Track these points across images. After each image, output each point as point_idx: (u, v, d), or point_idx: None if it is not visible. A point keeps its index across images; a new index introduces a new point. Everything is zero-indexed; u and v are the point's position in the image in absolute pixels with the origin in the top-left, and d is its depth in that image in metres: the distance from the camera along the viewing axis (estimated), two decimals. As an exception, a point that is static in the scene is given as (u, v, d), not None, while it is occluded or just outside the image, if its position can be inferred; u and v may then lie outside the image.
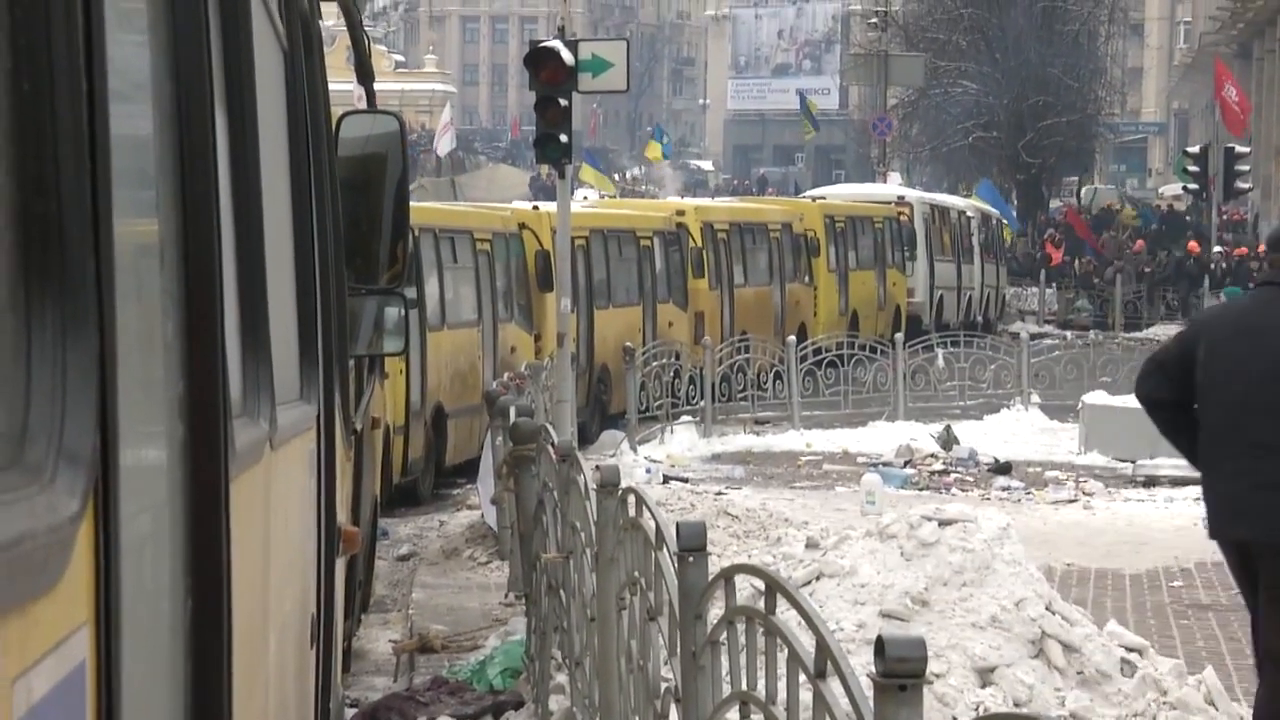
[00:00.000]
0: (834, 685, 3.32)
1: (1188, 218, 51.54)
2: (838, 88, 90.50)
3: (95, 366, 1.68)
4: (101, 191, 1.73)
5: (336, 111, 5.36)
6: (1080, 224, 48.99)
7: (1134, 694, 7.84)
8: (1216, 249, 42.58)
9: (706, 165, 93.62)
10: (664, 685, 5.08)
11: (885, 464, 18.44)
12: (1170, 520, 15.33)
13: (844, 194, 38.09)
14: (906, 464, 18.62)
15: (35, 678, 1.49)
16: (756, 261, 27.80)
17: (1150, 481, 17.60)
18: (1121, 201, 56.78)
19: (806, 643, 3.51)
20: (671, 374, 21.60)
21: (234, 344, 2.61)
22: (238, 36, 2.75)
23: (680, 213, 25.77)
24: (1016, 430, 21.65)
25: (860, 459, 19.26)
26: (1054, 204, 59.31)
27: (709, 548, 4.66)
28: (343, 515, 5.07)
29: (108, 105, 1.76)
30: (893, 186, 43.54)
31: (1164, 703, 7.86)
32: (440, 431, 17.63)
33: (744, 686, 4.01)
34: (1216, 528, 6.99)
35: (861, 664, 5.30)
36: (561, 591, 7.53)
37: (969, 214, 39.24)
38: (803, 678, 3.51)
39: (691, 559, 4.56)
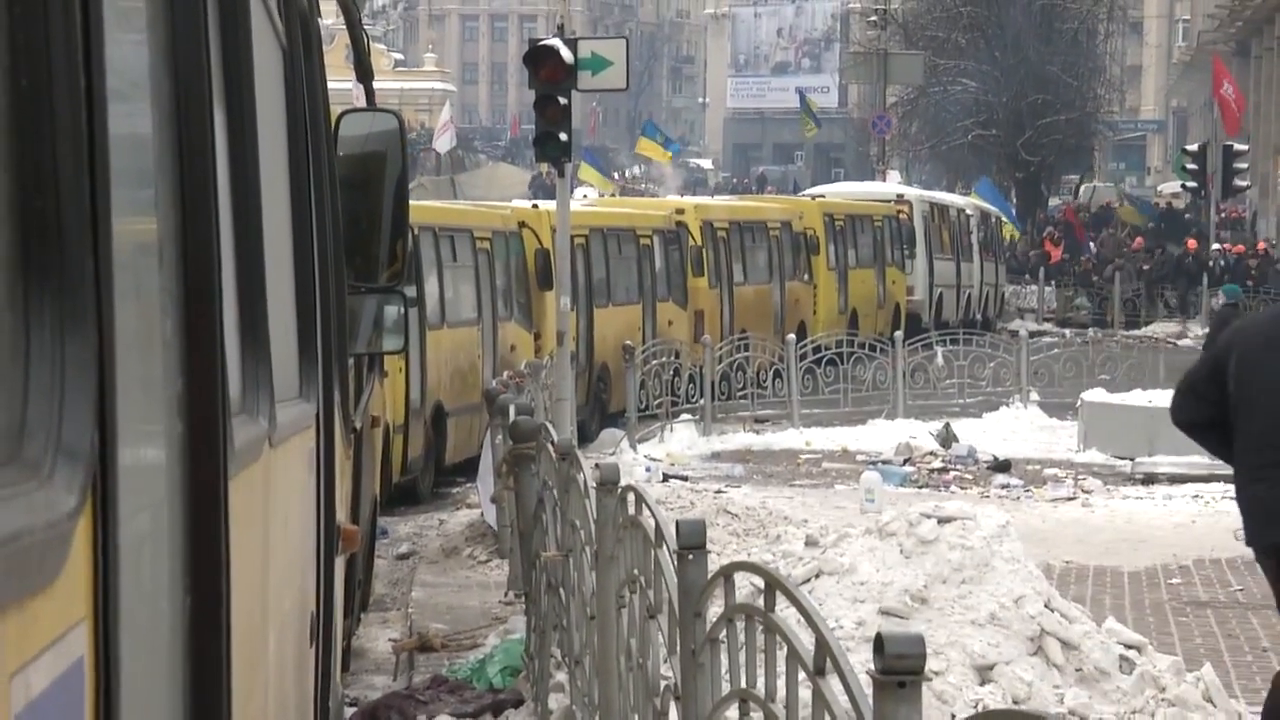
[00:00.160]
0: (833, 682, 3.32)
1: (1187, 215, 51.54)
2: (837, 86, 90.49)
3: (94, 363, 1.68)
4: (100, 189, 1.73)
5: (336, 110, 5.37)
6: (1076, 223, 49.00)
7: (1132, 691, 7.85)
8: (1215, 247, 42.58)
9: (706, 164, 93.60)
10: (663, 683, 5.09)
11: (884, 462, 18.44)
12: (1169, 518, 15.33)
13: (843, 192, 38.10)
14: (906, 462, 18.62)
15: (33, 673, 1.49)
16: (756, 260, 27.80)
17: (1149, 479, 17.60)
18: (1120, 199, 56.75)
19: (806, 640, 3.51)
20: (671, 372, 21.60)
21: (233, 342, 2.61)
22: (237, 34, 2.75)
23: (680, 211, 25.77)
24: (1015, 428, 21.66)
25: (859, 457, 19.27)
26: (1053, 202, 59.32)
27: (708, 546, 4.67)
28: (342, 514, 5.07)
29: (106, 103, 1.76)
30: (892, 185, 43.55)
31: (1162, 699, 7.86)
32: (440, 430, 17.63)
33: (743, 684, 4.01)
34: (1253, 534, 7.04)
35: (861, 661, 5.30)
36: (561, 590, 7.53)
37: (968, 212, 39.25)
38: (802, 675, 3.51)
39: (691, 557, 4.57)
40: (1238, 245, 43.96)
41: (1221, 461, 7.39)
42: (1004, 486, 17.27)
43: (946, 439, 19.65)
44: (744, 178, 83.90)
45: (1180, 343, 34.84)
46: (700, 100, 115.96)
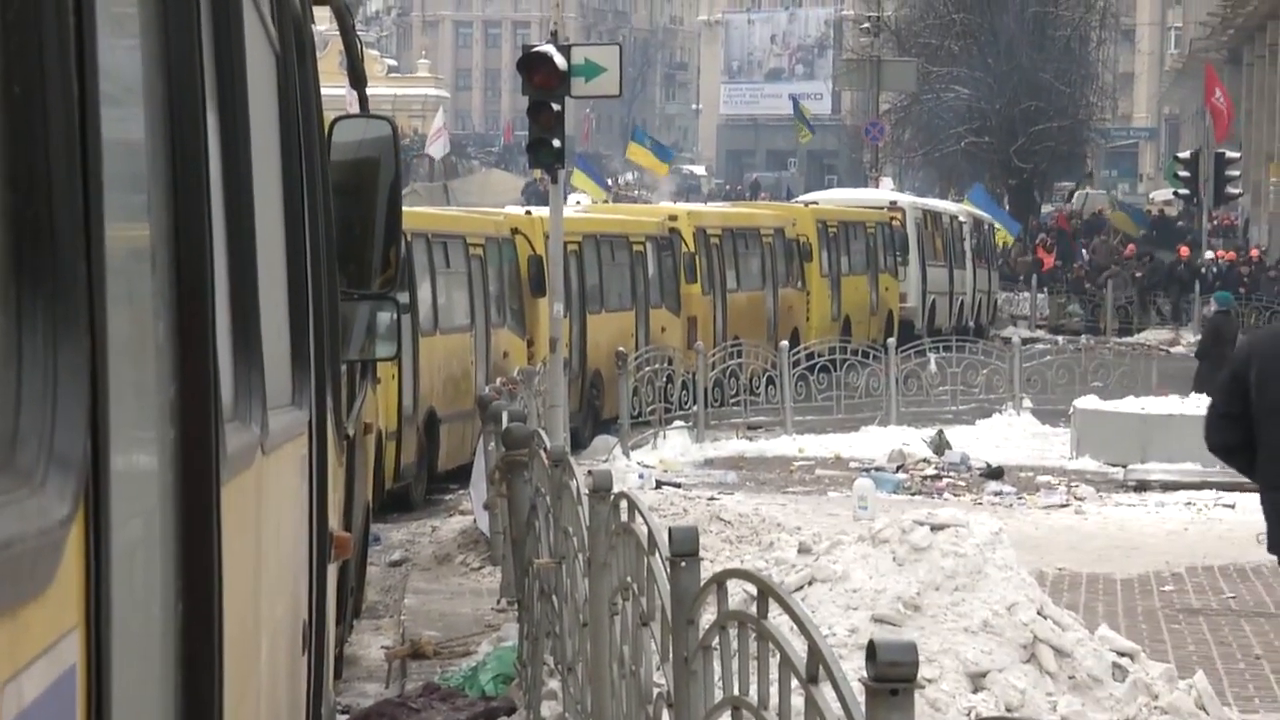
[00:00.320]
0: (826, 690, 3.32)
1: (1179, 223, 51.61)
2: (830, 93, 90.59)
3: (86, 370, 1.68)
4: (93, 195, 1.72)
5: (329, 116, 5.36)
6: (1069, 230, 49.04)
7: (1125, 698, 7.85)
8: (1208, 255, 42.63)
9: (699, 170, 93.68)
10: (656, 691, 5.08)
11: (877, 469, 18.44)
12: (1161, 525, 15.34)
13: (836, 199, 38.13)
14: (899, 469, 18.63)
15: (25, 682, 1.49)
16: (749, 266, 27.81)
17: (1141, 486, 17.61)
18: (1113, 205, 56.83)
19: (799, 648, 3.50)
20: (664, 379, 21.60)
21: (226, 348, 2.61)
22: (229, 40, 2.75)
23: (673, 218, 25.77)
24: (1008, 435, 21.67)
25: (852, 464, 19.27)
26: (1046, 209, 59.39)
27: (701, 553, 4.66)
28: (334, 521, 5.06)
29: (99, 108, 1.75)
30: (885, 191, 43.58)
31: (1155, 707, 7.86)
32: (433, 437, 17.62)
33: (736, 692, 4.01)
34: (1274, 541, 7.09)
35: (854, 669, 5.30)
36: (554, 597, 7.53)
37: (961, 219, 39.29)
38: (795, 683, 3.50)
39: (684, 564, 4.56)
40: (1229, 252, 44.00)
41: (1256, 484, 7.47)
42: (997, 494, 17.28)
43: (939, 446, 19.66)
44: (737, 184, 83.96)
45: (1173, 350, 34.88)
46: (694, 107, 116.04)
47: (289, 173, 3.76)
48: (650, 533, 5.03)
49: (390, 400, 16.10)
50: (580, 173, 46.09)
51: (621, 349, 21.13)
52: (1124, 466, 18.42)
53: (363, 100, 6.87)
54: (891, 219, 34.65)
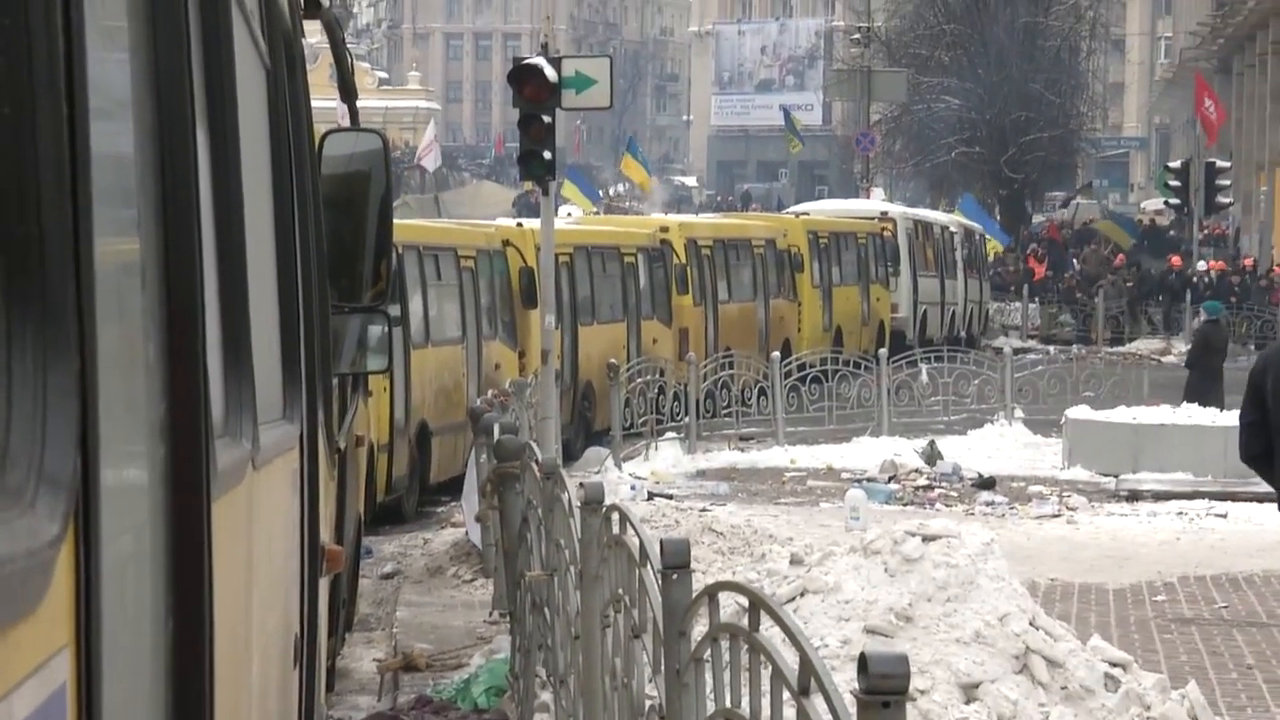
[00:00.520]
0: (818, 702, 3.32)
1: (1170, 233, 51.67)
2: (821, 103, 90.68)
3: (76, 388, 1.67)
4: (82, 211, 1.72)
5: (320, 129, 5.36)
6: (1060, 240, 49.10)
7: (1117, 709, 7.84)
8: (1201, 265, 42.68)
9: (690, 181, 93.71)
10: (648, 703, 5.08)
11: (869, 479, 18.45)
12: (1153, 535, 15.35)
13: (827, 210, 38.17)
14: (890, 479, 18.63)
15: (16, 701, 1.49)
16: (740, 277, 27.82)
17: (1133, 496, 17.62)
18: (1104, 214, 56.90)
19: (790, 659, 3.50)
20: (656, 390, 21.60)
21: (216, 364, 2.60)
22: (219, 54, 2.75)
23: (664, 229, 25.79)
24: (1000, 445, 21.68)
25: (844, 475, 19.27)
26: (1037, 219, 59.46)
27: (693, 564, 4.66)
28: (326, 534, 5.06)
29: (88, 124, 1.75)
30: (876, 202, 43.63)
31: (1147, 718, 7.86)
32: (424, 449, 17.61)
33: (728, 704, 4.01)
34: None
35: (846, 680, 5.30)
36: (546, 609, 7.52)
37: (952, 229, 39.33)
38: (786, 695, 3.50)
39: (675, 576, 4.56)
40: (1218, 262, 44.06)
41: None
42: (989, 504, 17.28)
43: (931, 456, 19.66)
44: (728, 195, 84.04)
45: (1164, 359, 34.92)
46: (684, 118, 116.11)
47: (279, 187, 3.76)
48: (642, 545, 5.03)
49: (382, 413, 16.09)
50: (570, 184, 46.11)
51: (613, 360, 21.13)
52: (1116, 476, 18.44)
53: (353, 113, 6.87)
54: (883, 229, 34.68)
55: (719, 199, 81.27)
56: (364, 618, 12.19)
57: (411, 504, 17.39)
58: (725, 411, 23.04)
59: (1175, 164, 47.62)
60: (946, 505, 17.18)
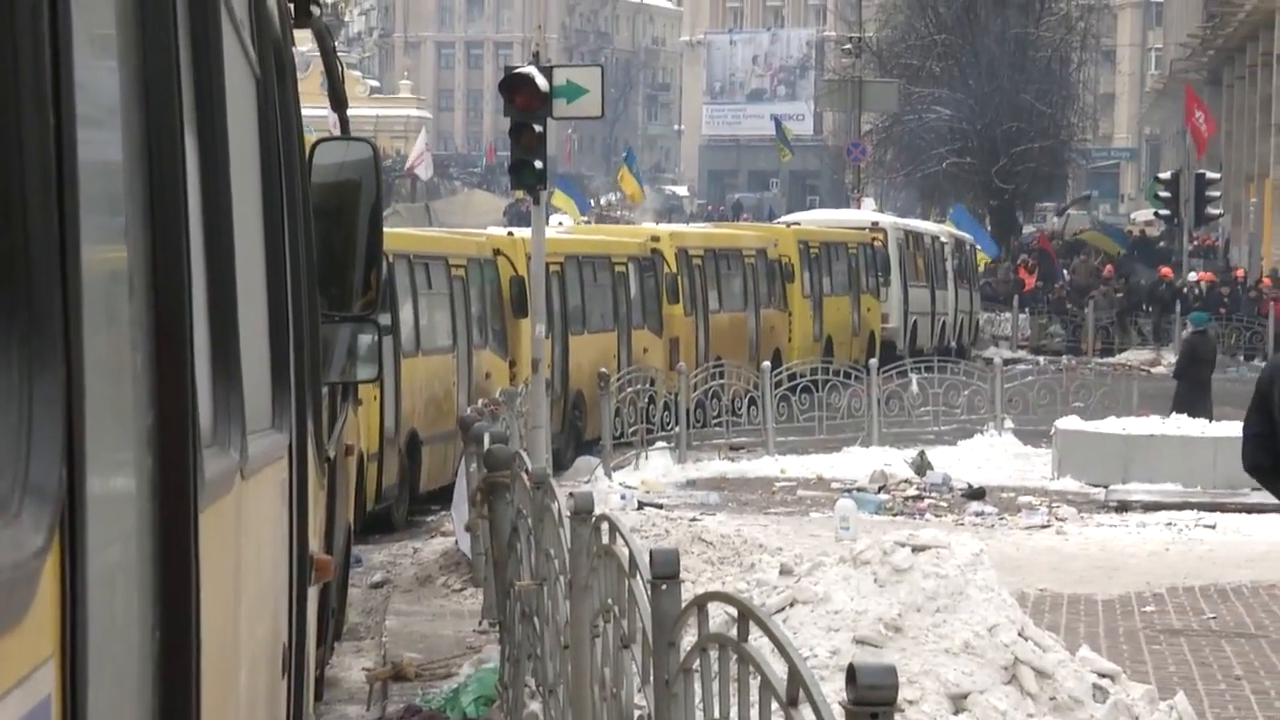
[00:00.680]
0: (806, 713, 3.31)
1: (1160, 243, 51.76)
2: (812, 113, 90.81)
3: (62, 398, 1.66)
4: (69, 219, 1.71)
5: (310, 138, 5.35)
6: (1051, 250, 49.15)
7: (1107, 720, 7.84)
8: (1191, 276, 42.74)
9: (681, 191, 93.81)
10: (637, 713, 5.07)
11: (859, 489, 18.45)
12: (1143, 545, 15.35)
13: (818, 220, 38.18)
14: (880, 489, 18.63)
15: (0, 713, 1.48)
16: (731, 287, 27.83)
17: (1123, 507, 17.64)
18: (1094, 225, 56.99)
19: (779, 670, 3.50)
20: (646, 400, 21.59)
21: (204, 373, 2.60)
22: (209, 62, 2.74)
23: (655, 238, 25.79)
24: (990, 455, 21.69)
25: (834, 485, 19.27)
26: (1027, 229, 59.53)
27: (683, 574, 4.66)
28: (315, 543, 5.05)
29: (76, 132, 1.74)
30: (867, 212, 43.66)
31: (1138, 729, 7.86)
32: (414, 458, 17.60)
33: (716, 714, 4.00)
34: None
35: (835, 691, 5.29)
36: (535, 619, 7.51)
37: (942, 239, 39.36)
38: (775, 705, 3.50)
39: (664, 586, 4.55)
40: (1208, 273, 44.14)
41: None
42: (978, 514, 17.29)
43: (921, 467, 19.67)
44: (719, 205, 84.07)
45: (1154, 370, 34.95)
46: (676, 127, 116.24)
47: (269, 195, 3.75)
48: (631, 555, 5.03)
49: (372, 421, 16.08)
50: (560, 193, 46.12)
51: (604, 370, 21.12)
52: (1105, 487, 18.45)
53: (344, 122, 6.87)
54: (873, 239, 34.71)
55: (710, 208, 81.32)
56: (353, 627, 12.17)
57: (401, 513, 17.37)
58: (715, 421, 23.04)
59: (1165, 175, 47.76)
60: (936, 516, 17.17)
